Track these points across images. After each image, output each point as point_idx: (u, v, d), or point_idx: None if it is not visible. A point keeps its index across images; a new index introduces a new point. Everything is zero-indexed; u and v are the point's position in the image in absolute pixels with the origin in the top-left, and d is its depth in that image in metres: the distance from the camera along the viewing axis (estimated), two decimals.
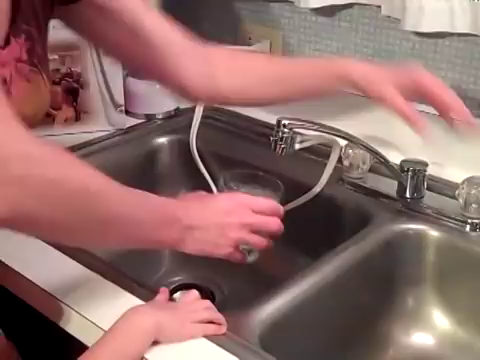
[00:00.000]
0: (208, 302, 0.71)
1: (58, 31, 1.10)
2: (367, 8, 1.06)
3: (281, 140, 0.87)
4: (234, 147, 1.13)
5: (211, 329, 0.67)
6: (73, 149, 1.08)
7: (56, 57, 1.09)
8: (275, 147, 0.87)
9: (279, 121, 0.86)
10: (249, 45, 1.20)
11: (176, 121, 1.20)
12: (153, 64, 0.84)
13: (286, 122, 0.86)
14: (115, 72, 1.14)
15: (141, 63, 0.85)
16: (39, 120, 0.75)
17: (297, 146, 0.88)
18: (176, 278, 1.08)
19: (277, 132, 0.87)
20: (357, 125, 1.03)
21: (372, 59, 1.08)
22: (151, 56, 0.82)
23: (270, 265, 1.04)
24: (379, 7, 1.04)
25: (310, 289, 0.79)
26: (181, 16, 1.19)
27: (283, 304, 0.75)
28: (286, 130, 0.86)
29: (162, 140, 1.17)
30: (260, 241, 0.78)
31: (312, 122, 0.89)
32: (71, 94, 1.12)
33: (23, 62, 0.69)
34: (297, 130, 0.88)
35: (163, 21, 0.84)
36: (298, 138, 0.89)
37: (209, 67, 0.87)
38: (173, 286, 1.04)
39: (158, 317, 0.65)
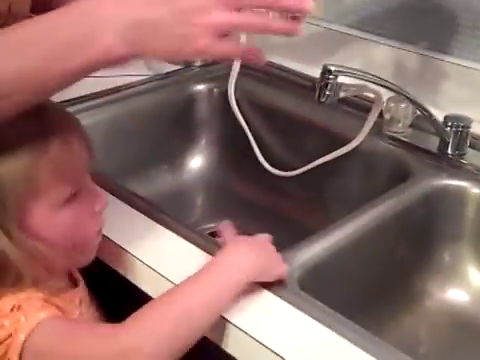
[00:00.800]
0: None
1: None
2: None
3: (326, 87, 0.85)
4: (273, 97, 1.11)
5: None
6: (111, 91, 1.09)
7: None
8: (319, 94, 0.86)
9: (325, 67, 0.85)
10: None
11: (215, 69, 1.18)
12: None
13: (332, 69, 0.85)
14: None
15: None
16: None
17: (341, 94, 0.87)
18: (207, 226, 1.08)
19: (322, 79, 0.85)
20: (402, 79, 1.02)
21: (418, 15, 1.05)
22: None
23: (305, 215, 1.05)
24: None
25: (348, 238, 0.78)
26: None
27: (321, 250, 0.75)
28: (331, 77, 0.85)
29: (200, 87, 1.15)
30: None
31: (358, 70, 0.88)
32: None
33: None
34: (342, 79, 0.88)
35: None
36: (343, 87, 0.88)
37: None
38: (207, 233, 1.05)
39: (257, 257, 0.65)
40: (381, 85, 0.89)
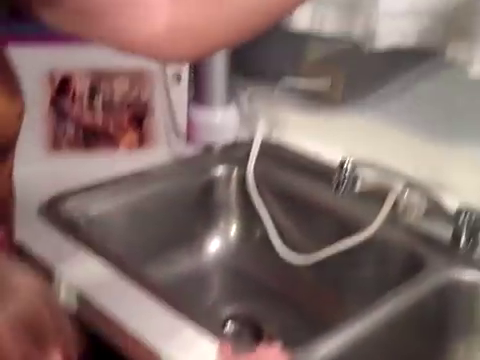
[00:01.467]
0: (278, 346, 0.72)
1: (127, 58, 1.16)
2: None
3: (342, 181, 0.89)
4: (291, 181, 1.15)
5: None
6: (135, 174, 1.13)
7: (126, 83, 1.14)
8: (336, 187, 0.89)
9: (342, 162, 0.88)
10: (311, 81, 1.22)
11: (235, 151, 1.22)
12: None
13: (349, 162, 0.88)
14: (180, 100, 1.18)
15: None
16: None
17: (357, 188, 0.90)
18: (224, 309, 1.10)
19: (340, 173, 0.89)
20: (418, 166, 1.05)
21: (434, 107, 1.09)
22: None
23: (319, 304, 1.06)
24: None
25: (362, 333, 0.80)
26: (241, 50, 1.24)
27: (337, 346, 0.76)
28: (348, 171, 0.89)
29: (220, 170, 1.19)
30: None
31: (373, 164, 0.91)
32: (137, 120, 1.16)
33: None
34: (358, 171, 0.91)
35: None
36: (359, 179, 0.91)
37: None
38: (224, 317, 1.06)
39: None
40: (397, 177, 0.92)
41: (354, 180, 0.90)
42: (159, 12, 0.69)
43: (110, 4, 0.68)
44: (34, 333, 0.54)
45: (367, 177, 0.92)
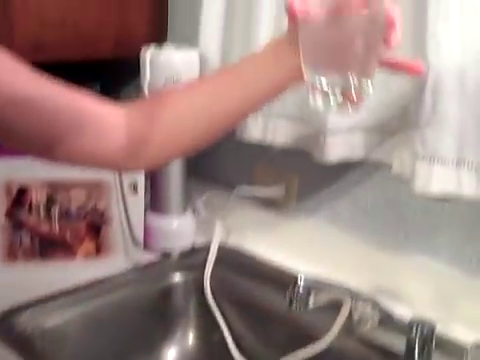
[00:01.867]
0: None
1: (84, 169, 1.17)
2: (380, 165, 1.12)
3: (296, 298, 0.90)
4: (248, 290, 1.16)
5: None
6: (92, 284, 1.13)
7: (83, 194, 1.15)
8: (290, 304, 0.91)
9: (295, 280, 0.90)
10: (265, 188, 1.26)
11: (192, 258, 1.24)
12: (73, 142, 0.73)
13: (301, 282, 0.90)
14: (137, 209, 1.20)
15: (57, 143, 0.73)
16: None
17: (311, 305, 0.92)
18: None
19: (292, 290, 0.91)
20: (370, 275, 1.07)
21: (383, 215, 1.13)
22: (72, 134, 0.72)
23: None
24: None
25: None
26: (196, 158, 1.27)
27: None
28: (301, 289, 0.90)
29: (177, 277, 1.20)
30: None
31: (324, 281, 0.93)
32: (94, 229, 1.17)
33: None
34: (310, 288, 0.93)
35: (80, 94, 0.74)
36: (312, 295, 0.93)
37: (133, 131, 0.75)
38: None
39: None
40: (347, 293, 0.94)
41: (307, 297, 0.92)
42: (117, 129, 0.74)
43: (71, 127, 0.72)
44: None
45: (320, 293, 0.94)
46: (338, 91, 0.63)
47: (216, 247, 1.21)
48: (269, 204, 1.26)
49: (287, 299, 0.91)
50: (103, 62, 1.41)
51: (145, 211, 1.23)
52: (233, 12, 1.21)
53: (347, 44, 0.62)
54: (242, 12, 1.19)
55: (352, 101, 0.64)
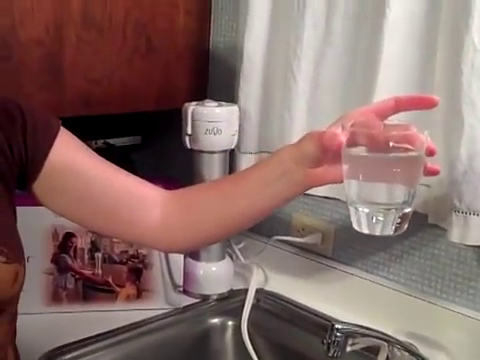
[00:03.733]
0: None
1: None
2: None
3: (334, 343, 0.92)
4: (284, 333, 1.18)
5: None
6: (133, 326, 1.15)
7: None
8: (328, 349, 0.93)
9: (332, 325, 0.92)
10: (302, 236, 1.29)
11: (230, 302, 1.26)
12: (114, 220, 0.83)
13: (339, 327, 0.92)
14: (177, 254, 1.23)
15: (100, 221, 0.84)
16: None
17: (348, 349, 0.94)
18: None
19: (330, 335, 0.92)
20: (407, 323, 1.08)
21: (421, 265, 1.15)
22: (117, 213, 0.82)
23: None
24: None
25: None
26: None
27: None
28: (338, 334, 0.92)
29: (215, 321, 1.23)
30: None
31: (362, 326, 0.95)
32: (135, 273, 1.21)
33: None
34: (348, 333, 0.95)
35: (124, 175, 0.84)
36: (349, 341, 0.94)
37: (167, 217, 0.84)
38: None
39: None
40: (384, 339, 0.95)
41: (344, 342, 0.94)
42: (155, 211, 0.83)
43: (121, 207, 0.82)
44: None
45: (357, 338, 0.95)
46: (383, 216, 0.68)
47: (253, 291, 1.23)
48: (306, 252, 1.29)
49: (325, 345, 0.93)
50: (145, 115, 1.48)
51: (185, 257, 1.26)
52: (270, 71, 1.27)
53: (389, 178, 0.67)
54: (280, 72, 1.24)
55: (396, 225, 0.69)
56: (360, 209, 0.69)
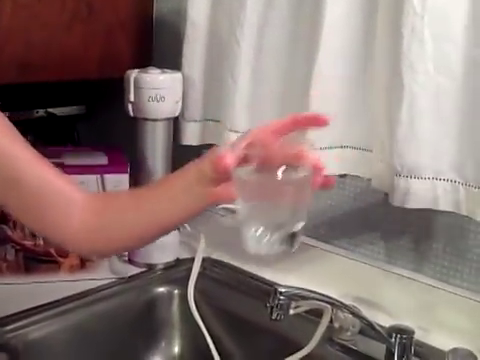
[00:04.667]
0: None
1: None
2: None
3: (277, 307, 0.92)
4: (230, 301, 1.18)
5: None
6: (77, 296, 1.14)
7: None
8: (271, 313, 0.93)
9: (275, 289, 0.92)
10: None
11: (176, 271, 1.26)
12: (35, 216, 0.82)
13: (282, 290, 0.92)
14: None
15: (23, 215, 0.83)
16: None
17: (291, 312, 0.94)
18: None
19: (273, 299, 0.93)
20: (348, 287, 1.10)
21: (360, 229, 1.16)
22: (36, 208, 0.81)
23: None
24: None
25: None
26: None
27: None
28: (282, 297, 0.93)
29: (161, 290, 1.22)
30: None
31: (305, 289, 0.96)
32: None
33: None
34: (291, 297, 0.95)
35: (49, 170, 0.81)
36: (293, 304, 0.95)
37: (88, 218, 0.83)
38: None
39: None
40: (327, 302, 0.96)
41: (288, 304, 0.94)
42: (75, 210, 0.82)
43: (38, 199, 0.80)
44: None
45: (300, 301, 0.96)
46: (274, 236, 0.68)
47: (200, 259, 1.22)
48: None
49: (268, 308, 0.93)
50: (89, 84, 1.44)
51: None
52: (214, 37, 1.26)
53: (276, 198, 0.67)
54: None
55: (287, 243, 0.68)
56: (249, 228, 0.68)
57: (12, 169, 0.78)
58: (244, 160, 0.69)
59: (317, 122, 0.74)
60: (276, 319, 0.93)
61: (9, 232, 1.15)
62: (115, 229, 0.83)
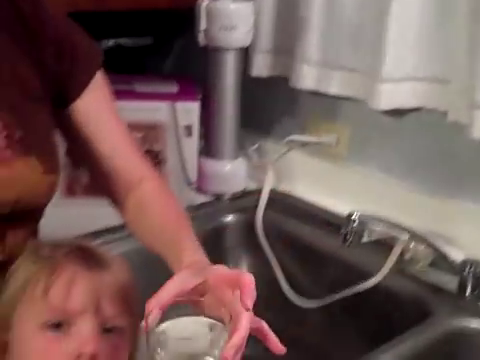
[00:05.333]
0: None
1: (141, 112, 1.20)
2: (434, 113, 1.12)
3: (350, 233, 0.92)
4: (298, 231, 1.18)
5: None
6: None
7: (139, 135, 1.18)
8: (344, 239, 0.93)
9: (349, 215, 0.92)
10: (317, 137, 1.27)
11: (243, 201, 1.26)
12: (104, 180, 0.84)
13: (356, 215, 0.92)
14: (191, 153, 1.22)
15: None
16: (24, 205, 0.74)
17: (364, 239, 0.94)
18: None
19: (347, 225, 0.92)
20: (423, 220, 1.09)
21: (436, 163, 1.14)
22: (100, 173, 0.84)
23: (326, 347, 1.08)
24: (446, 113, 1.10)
25: None
26: (250, 107, 1.29)
27: None
28: (355, 224, 0.92)
29: (229, 219, 1.23)
30: None
31: (379, 217, 0.95)
32: None
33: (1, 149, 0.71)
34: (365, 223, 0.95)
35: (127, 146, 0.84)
36: (366, 231, 0.94)
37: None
38: None
39: None
40: (402, 230, 0.95)
41: (361, 232, 0.94)
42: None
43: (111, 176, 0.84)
44: (122, 297, 0.65)
45: (374, 229, 0.95)
46: None
47: (268, 191, 1.23)
48: (320, 153, 1.28)
49: (341, 234, 0.93)
50: (157, 15, 1.44)
51: (199, 155, 1.25)
52: None
53: None
54: None
55: None
56: None
57: (99, 141, 0.81)
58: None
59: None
60: (349, 246, 0.93)
61: None
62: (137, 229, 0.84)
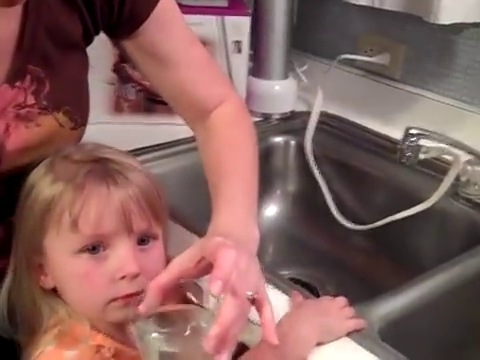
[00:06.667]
0: (343, 300, 0.74)
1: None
2: None
3: (407, 149, 0.89)
4: (348, 153, 1.15)
5: (358, 323, 0.71)
6: (188, 140, 1.12)
7: None
8: (401, 155, 0.90)
9: (407, 130, 0.89)
10: (370, 57, 1.23)
11: (292, 123, 1.23)
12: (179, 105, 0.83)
13: (414, 132, 0.89)
14: (240, 71, 1.19)
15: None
16: None
17: (421, 156, 0.91)
18: (280, 273, 1.11)
19: (404, 140, 0.89)
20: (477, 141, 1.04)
21: None
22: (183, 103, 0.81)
23: (376, 271, 1.07)
24: None
25: (425, 296, 0.80)
26: (301, 25, 1.24)
27: (400, 306, 0.77)
28: (413, 139, 0.89)
29: (278, 139, 1.21)
30: None
31: (438, 133, 0.91)
32: None
33: (29, 107, 0.67)
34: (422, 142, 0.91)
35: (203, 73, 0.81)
36: (423, 149, 0.91)
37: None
38: None
39: (320, 321, 0.69)
40: (460, 148, 0.91)
41: (417, 149, 0.90)
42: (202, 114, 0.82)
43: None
44: (150, 207, 0.63)
45: (431, 150, 0.91)
46: None
47: (317, 112, 1.19)
48: (373, 74, 1.23)
49: (398, 151, 0.90)
50: None
51: (248, 75, 1.22)
52: None
53: None
54: None
55: None
56: None
57: (172, 65, 0.79)
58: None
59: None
60: (405, 162, 0.90)
61: (130, 71, 1.15)
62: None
